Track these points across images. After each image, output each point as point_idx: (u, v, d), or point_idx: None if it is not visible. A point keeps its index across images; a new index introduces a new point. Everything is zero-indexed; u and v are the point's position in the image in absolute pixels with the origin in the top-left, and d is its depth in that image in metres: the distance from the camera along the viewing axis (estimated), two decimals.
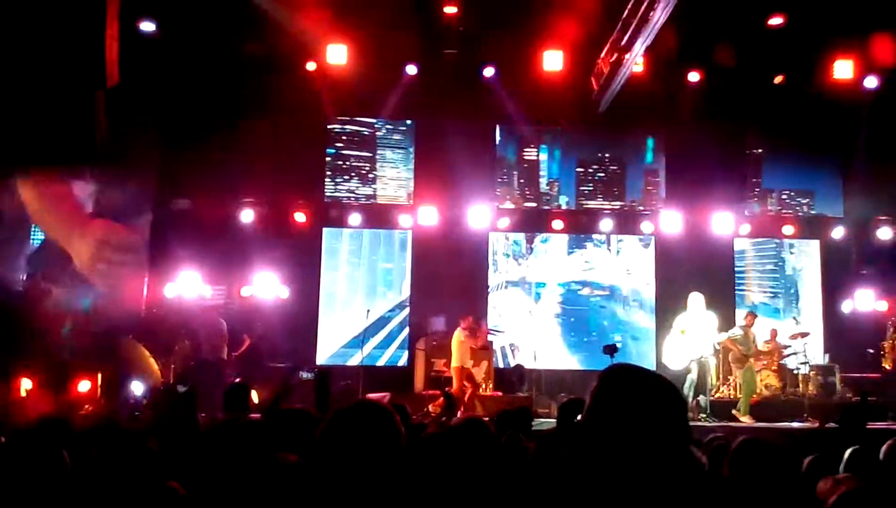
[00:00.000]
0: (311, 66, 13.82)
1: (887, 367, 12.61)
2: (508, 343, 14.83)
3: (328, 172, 15.21)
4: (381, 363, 14.58)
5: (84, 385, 11.06)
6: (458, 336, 12.20)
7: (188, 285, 13.63)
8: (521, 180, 15.53)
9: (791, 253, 15.56)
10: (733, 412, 11.90)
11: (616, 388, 1.98)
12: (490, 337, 13.96)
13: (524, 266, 15.35)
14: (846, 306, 14.69)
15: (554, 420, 9.15)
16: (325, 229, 15.07)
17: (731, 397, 12.86)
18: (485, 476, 3.17)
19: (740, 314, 14.23)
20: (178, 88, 13.52)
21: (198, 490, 3.24)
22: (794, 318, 12.51)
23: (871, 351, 13.09)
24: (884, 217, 15.01)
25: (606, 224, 15.16)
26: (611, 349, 12.50)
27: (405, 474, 2.53)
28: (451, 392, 11.83)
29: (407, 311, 14.94)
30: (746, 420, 11.58)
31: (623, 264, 15.41)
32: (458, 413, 11.40)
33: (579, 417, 2.16)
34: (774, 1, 12.50)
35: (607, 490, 1.91)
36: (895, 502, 2.82)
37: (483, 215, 14.75)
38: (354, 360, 13.51)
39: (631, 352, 14.37)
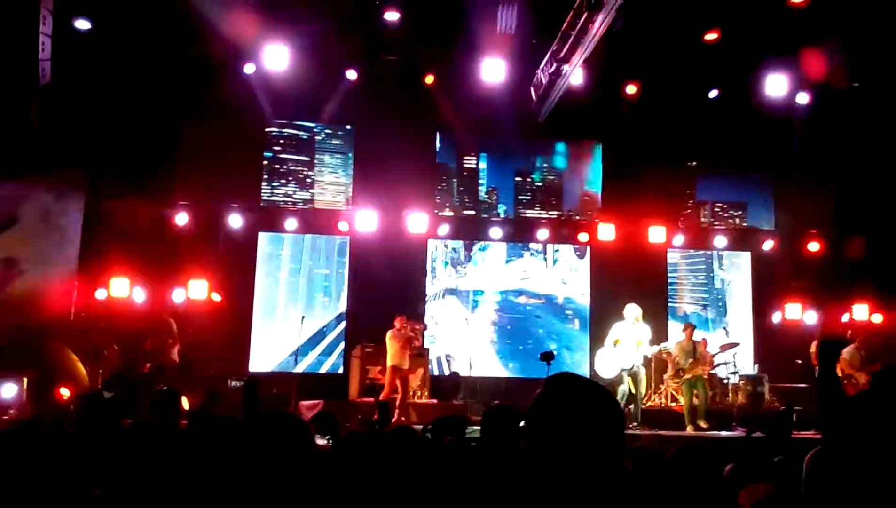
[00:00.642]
0: (249, 68, 13.63)
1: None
2: (444, 354, 14.81)
3: (265, 176, 15.03)
4: (316, 370, 14.44)
5: (9, 390, 10.74)
6: (388, 335, 12.15)
7: (119, 289, 13.31)
8: (461, 188, 15.57)
9: (722, 265, 15.86)
10: (689, 424, 11.97)
11: (558, 395, 2.01)
12: (429, 338, 13.95)
13: (462, 274, 15.37)
14: (775, 318, 15.02)
15: None
16: (261, 234, 14.89)
17: (663, 405, 13.05)
18: (414, 483, 3.15)
19: (673, 325, 14.48)
20: (113, 88, 13.23)
21: (119, 493, 3.17)
22: (724, 329, 12.73)
23: (800, 362, 13.38)
24: (813, 231, 15.39)
25: (543, 233, 15.29)
26: (547, 356, 12.59)
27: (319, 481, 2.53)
28: (384, 401, 11.80)
29: (343, 318, 14.83)
30: (691, 430, 11.75)
31: (559, 273, 15.54)
32: (392, 421, 11.39)
33: (522, 422, 2.21)
34: (710, 17, 12.71)
35: (543, 494, 1.93)
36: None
37: (422, 222, 14.72)
38: (289, 367, 13.34)
39: (564, 360, 14.47)
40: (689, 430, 11.78)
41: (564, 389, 2.02)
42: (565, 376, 2.10)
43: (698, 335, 13.78)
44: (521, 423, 4.56)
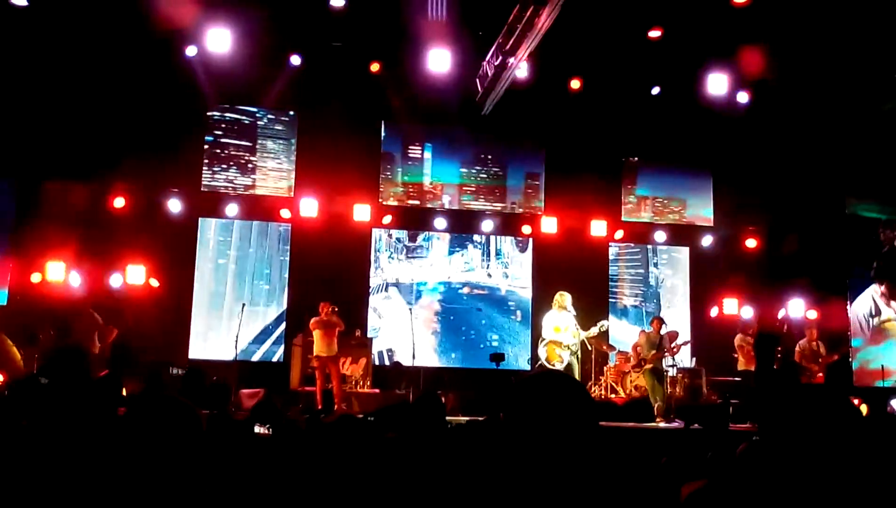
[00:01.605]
0: (191, 50, 13.39)
1: (741, 368, 13.13)
2: (387, 349, 14.77)
3: (206, 161, 14.79)
4: (256, 358, 14.30)
5: None
6: (311, 323, 12.10)
7: (55, 273, 13.00)
8: (405, 178, 15.52)
9: (661, 259, 16.09)
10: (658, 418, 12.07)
11: (536, 389, 2.02)
12: (372, 329, 13.90)
13: (405, 264, 15.35)
14: (713, 312, 15.30)
15: None
16: (201, 220, 14.66)
17: (602, 397, 13.22)
18: (357, 472, 3.15)
19: (614, 320, 14.68)
20: (50, 67, 12.89)
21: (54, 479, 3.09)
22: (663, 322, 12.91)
23: (736, 356, 13.66)
24: (751, 227, 15.71)
25: (487, 225, 15.34)
26: (497, 358, 12.70)
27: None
28: (327, 390, 11.78)
29: (284, 306, 14.71)
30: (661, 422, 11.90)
31: (501, 265, 15.61)
32: (335, 409, 11.37)
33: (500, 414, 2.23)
34: (654, 14, 12.86)
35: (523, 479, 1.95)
36: (739, 499, 2.92)
37: (366, 211, 14.65)
38: (229, 355, 13.18)
39: (507, 352, 14.51)
40: (659, 421, 11.91)
41: (541, 383, 2.03)
42: (543, 372, 2.12)
43: (635, 330, 14.04)
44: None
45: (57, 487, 3.19)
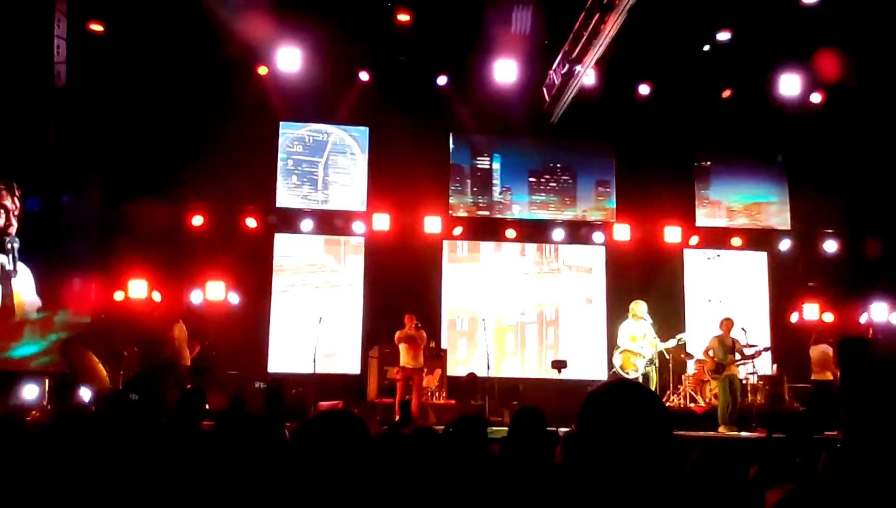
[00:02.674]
0: (262, 70, 13.71)
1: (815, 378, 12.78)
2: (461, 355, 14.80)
3: (280, 178, 15.08)
4: (333, 371, 14.45)
5: (31, 391, 10.84)
6: (396, 336, 12.21)
7: (137, 291, 13.39)
8: (475, 189, 15.57)
9: (739, 265, 15.79)
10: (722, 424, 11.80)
11: (610, 401, 2.02)
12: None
13: (476, 274, 15.37)
14: (793, 318, 14.95)
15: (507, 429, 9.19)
16: (276, 235, 14.94)
17: (682, 406, 13.02)
18: (437, 482, 3.18)
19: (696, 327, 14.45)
20: (128, 90, 13.33)
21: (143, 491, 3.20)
22: (743, 329, 12.64)
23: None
24: (829, 230, 15.33)
25: (558, 233, 15.27)
26: (559, 365, 12.64)
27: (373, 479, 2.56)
28: (405, 401, 11.87)
29: (360, 318, 14.86)
30: (724, 430, 11.65)
31: (574, 273, 15.52)
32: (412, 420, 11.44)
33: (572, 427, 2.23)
34: (723, 17, 12.70)
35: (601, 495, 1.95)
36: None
37: (436, 222, 14.74)
38: (306, 368, 13.36)
39: (582, 361, 14.42)
40: (722, 430, 11.65)
41: (615, 395, 2.04)
42: (616, 383, 2.12)
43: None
44: (547, 426, 4.60)
45: (144, 497, 3.30)
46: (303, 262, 15.03)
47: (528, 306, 15.38)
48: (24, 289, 13.00)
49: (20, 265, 13.10)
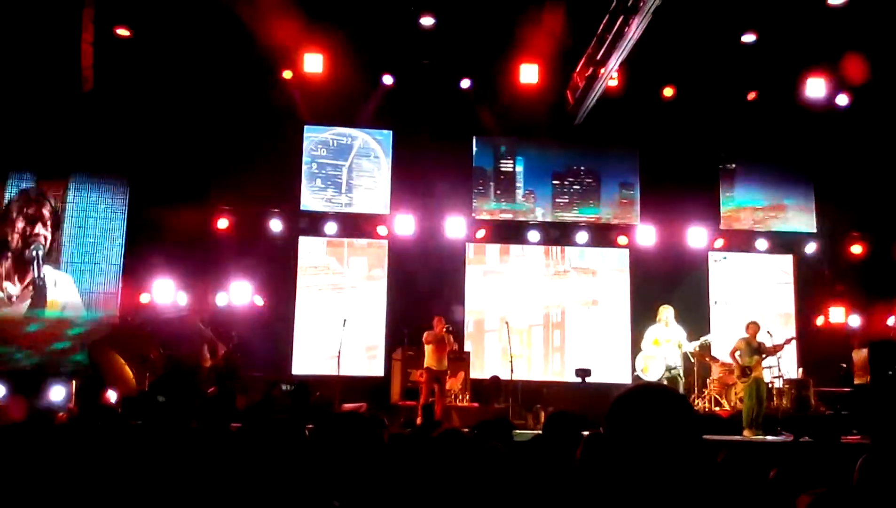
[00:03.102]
0: (287, 74, 13.80)
1: (857, 382, 12.68)
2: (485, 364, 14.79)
3: (304, 181, 15.15)
4: (357, 373, 14.49)
5: (58, 393, 10.96)
6: (424, 336, 12.24)
7: (163, 293, 13.51)
8: (498, 192, 15.57)
9: (764, 268, 15.68)
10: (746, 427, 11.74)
11: (640, 404, 2.03)
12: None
13: (500, 278, 15.36)
14: (818, 321, 14.83)
15: (531, 432, 9.20)
16: (301, 238, 15.01)
17: (707, 410, 12.94)
18: (465, 484, 3.19)
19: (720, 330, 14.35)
20: (152, 95, 13.47)
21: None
22: (768, 332, 12.55)
23: (844, 366, 13.22)
24: (856, 233, 15.20)
25: (582, 236, 15.22)
26: (583, 373, 12.61)
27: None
28: (428, 404, 11.89)
29: (383, 321, 14.89)
30: (748, 434, 11.58)
31: (598, 276, 15.48)
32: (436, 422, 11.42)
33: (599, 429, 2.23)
34: (748, 18, 12.64)
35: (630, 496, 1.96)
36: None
37: (459, 225, 14.77)
38: (330, 370, 13.41)
39: (605, 365, 14.37)
40: (746, 434, 11.58)
41: (644, 397, 2.04)
42: (644, 386, 2.12)
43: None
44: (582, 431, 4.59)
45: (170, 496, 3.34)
46: (326, 264, 15.09)
47: (538, 308, 15.34)
48: (62, 294, 13.26)
49: (57, 272, 13.39)
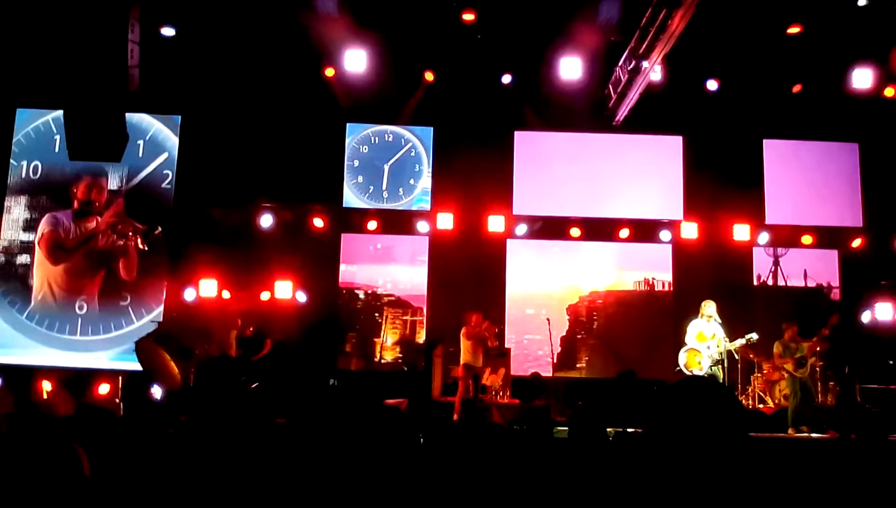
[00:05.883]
0: (329, 72, 13.90)
1: None
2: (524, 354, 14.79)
3: (346, 178, 15.24)
4: (398, 368, 14.59)
5: (103, 390, 11.14)
6: (462, 332, 12.26)
7: (207, 290, 13.69)
8: (539, 187, 15.50)
9: (810, 263, 15.44)
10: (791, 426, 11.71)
11: (685, 396, 2.01)
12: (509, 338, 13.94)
13: (542, 273, 15.32)
14: (865, 317, 14.57)
15: None
16: (343, 235, 15.11)
17: (750, 407, 12.81)
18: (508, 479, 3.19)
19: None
20: (196, 94, 13.66)
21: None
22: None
23: (891, 362, 12.99)
24: None
25: (624, 232, 15.11)
26: (626, 377, 12.51)
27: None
28: (469, 399, 11.91)
29: (424, 317, 14.95)
30: (792, 432, 11.50)
31: (641, 272, 15.36)
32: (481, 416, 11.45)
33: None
34: (792, 10, 12.46)
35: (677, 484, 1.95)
36: None
37: (500, 221, 14.75)
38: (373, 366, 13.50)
39: (649, 360, 14.27)
40: (792, 431, 11.51)
41: (688, 390, 2.03)
42: (690, 379, 2.11)
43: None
44: (605, 424, 4.57)
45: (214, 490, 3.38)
46: (370, 261, 15.21)
47: (580, 305, 15.27)
48: None
49: None
